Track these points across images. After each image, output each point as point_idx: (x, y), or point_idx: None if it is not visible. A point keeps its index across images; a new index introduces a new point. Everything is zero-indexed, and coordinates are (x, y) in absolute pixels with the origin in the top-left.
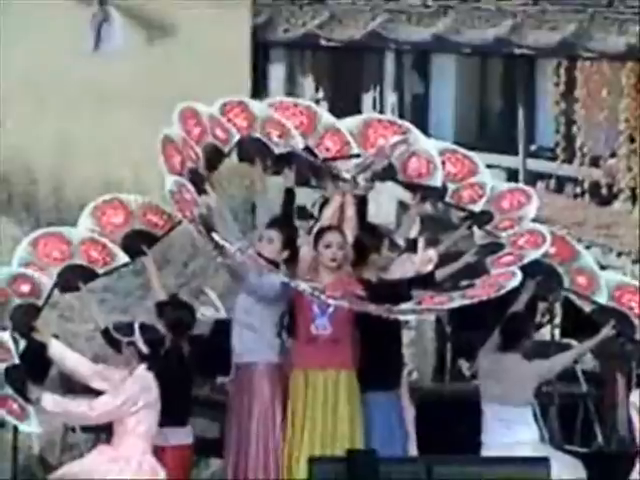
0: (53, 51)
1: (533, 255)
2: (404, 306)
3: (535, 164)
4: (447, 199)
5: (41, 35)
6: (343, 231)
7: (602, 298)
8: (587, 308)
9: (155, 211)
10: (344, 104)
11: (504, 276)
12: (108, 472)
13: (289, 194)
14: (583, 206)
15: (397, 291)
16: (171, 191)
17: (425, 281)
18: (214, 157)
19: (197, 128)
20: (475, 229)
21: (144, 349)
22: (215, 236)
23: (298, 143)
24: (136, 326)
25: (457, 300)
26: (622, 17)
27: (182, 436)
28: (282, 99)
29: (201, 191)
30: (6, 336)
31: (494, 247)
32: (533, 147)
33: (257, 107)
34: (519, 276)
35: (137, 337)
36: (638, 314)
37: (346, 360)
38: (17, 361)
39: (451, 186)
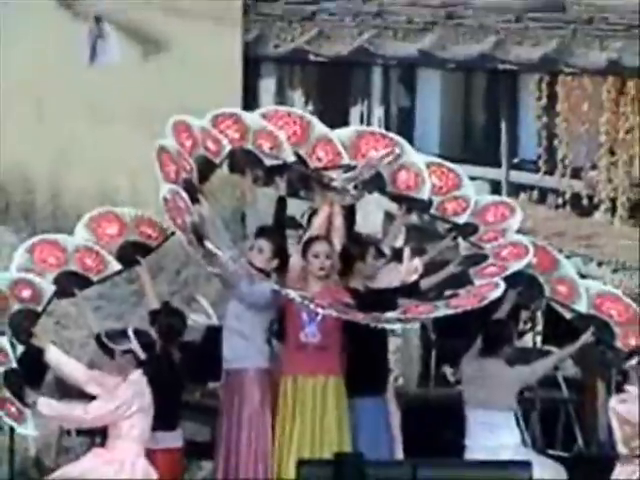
0: (50, 65)
1: (516, 266)
2: (390, 315)
3: (518, 176)
4: (432, 211)
5: (39, 49)
6: (331, 241)
7: (582, 306)
8: (568, 316)
9: (148, 223)
10: (332, 117)
11: (487, 287)
12: (103, 474)
13: (281, 203)
14: (564, 217)
15: (383, 299)
16: (165, 198)
17: (410, 290)
18: (205, 168)
19: (189, 140)
20: (460, 240)
21: (141, 355)
22: (208, 244)
23: (289, 155)
24: (131, 333)
25: (441, 310)
26: (602, 33)
27: (172, 440)
28: (276, 108)
29: (194, 200)
30: (4, 341)
31: (478, 258)
32: (516, 159)
33: (250, 119)
34: (502, 287)
35: (134, 344)
36: (618, 322)
37: (334, 366)
38: (15, 365)
39: (436, 199)
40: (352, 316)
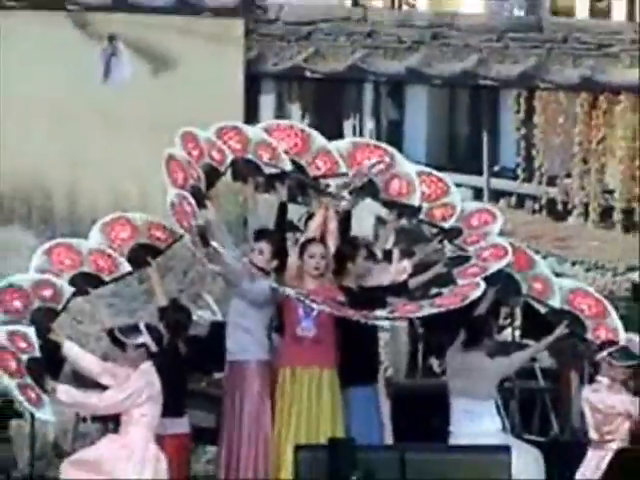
0: (68, 81)
1: (496, 267)
2: (379, 312)
3: (498, 183)
4: (421, 216)
5: (56, 67)
6: (326, 243)
7: (556, 302)
8: (543, 311)
9: (158, 227)
10: (327, 130)
11: (469, 287)
12: (116, 458)
13: (282, 208)
14: (541, 221)
15: (374, 297)
16: (172, 203)
17: (399, 289)
18: (211, 175)
19: (196, 150)
20: (445, 243)
21: (153, 348)
22: (213, 244)
23: (287, 164)
24: (143, 328)
25: (426, 309)
26: (576, 52)
27: (179, 426)
28: (279, 122)
29: (201, 205)
30: (31, 331)
31: (461, 259)
32: (496, 168)
33: (251, 131)
34: (482, 287)
35: (146, 337)
36: (588, 315)
37: (328, 359)
38: (38, 354)
39: (425, 205)
40: (344, 312)
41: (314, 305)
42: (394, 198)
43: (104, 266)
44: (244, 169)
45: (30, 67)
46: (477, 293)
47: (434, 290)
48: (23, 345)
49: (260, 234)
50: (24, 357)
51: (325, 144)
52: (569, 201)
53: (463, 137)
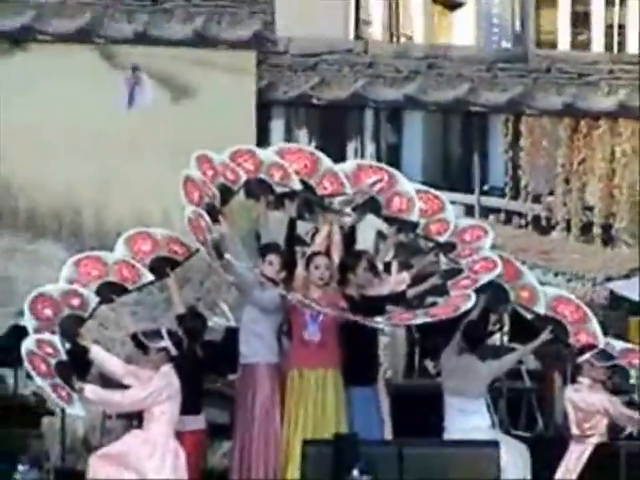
0: (95, 108)
1: (486, 279)
2: (377, 319)
3: (488, 201)
4: (419, 231)
5: (84, 95)
6: (330, 255)
7: (541, 309)
8: (529, 317)
9: (176, 242)
10: (331, 152)
11: (461, 298)
12: (139, 452)
13: (291, 223)
14: (527, 235)
15: (374, 306)
16: (189, 219)
17: (398, 298)
18: (225, 194)
19: (211, 171)
20: (441, 256)
21: (173, 351)
22: (226, 256)
23: (296, 184)
24: (164, 333)
25: (420, 317)
26: (559, 81)
27: (197, 423)
28: (290, 145)
29: (216, 221)
30: (56, 338)
31: (455, 272)
32: (486, 187)
33: (263, 154)
34: (473, 299)
35: (168, 342)
36: (570, 321)
37: (333, 361)
38: (64, 357)
39: (422, 221)
40: (346, 316)
41: (318, 308)
42: (395, 214)
43: (128, 276)
44: (257, 188)
45: (61, 96)
46: (468, 305)
47: (430, 299)
48: (50, 351)
49: (270, 247)
50: (52, 361)
51: (332, 166)
52: (552, 217)
53: (456, 159)
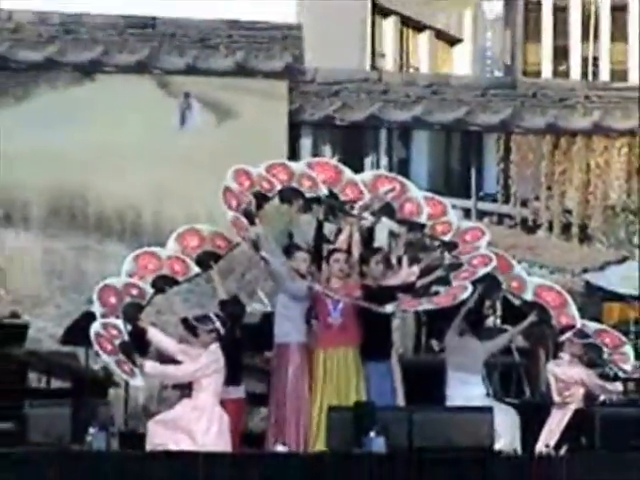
0: (152, 128)
1: (483, 272)
2: (388, 306)
3: (483, 205)
4: (426, 231)
5: (143, 117)
6: (350, 251)
7: (528, 295)
8: (517, 303)
9: (220, 236)
10: (352, 165)
11: (459, 289)
12: (190, 418)
13: (319, 225)
14: (516, 234)
15: (388, 293)
16: (232, 221)
17: (408, 288)
18: (260, 200)
19: (247, 181)
20: (445, 253)
21: (222, 332)
22: (262, 253)
23: (323, 191)
24: (213, 317)
25: (424, 305)
26: (543, 104)
27: (238, 392)
28: (317, 159)
29: (252, 223)
30: (119, 322)
31: (456, 266)
32: (481, 193)
33: (294, 166)
34: (470, 289)
35: (217, 324)
36: (553, 306)
37: (353, 341)
38: (127, 338)
39: (429, 222)
40: (360, 303)
41: (336, 296)
42: (406, 217)
43: (178, 270)
44: (290, 195)
45: (123, 118)
46: (465, 294)
47: (434, 289)
48: (115, 333)
49: (300, 245)
50: (117, 341)
51: (353, 176)
52: (537, 219)
53: (456, 170)
